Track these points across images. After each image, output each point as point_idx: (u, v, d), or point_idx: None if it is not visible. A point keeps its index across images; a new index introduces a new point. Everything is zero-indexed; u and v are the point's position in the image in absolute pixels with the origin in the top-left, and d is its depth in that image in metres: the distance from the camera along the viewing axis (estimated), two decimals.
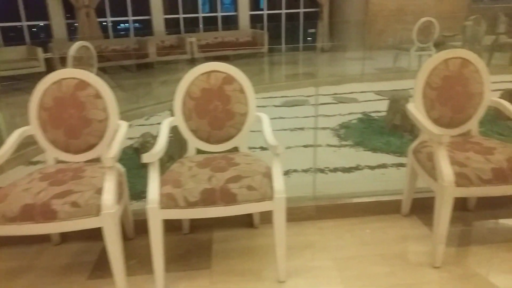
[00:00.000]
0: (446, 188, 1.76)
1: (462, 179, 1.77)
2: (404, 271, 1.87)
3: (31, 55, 7.85)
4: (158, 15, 9.65)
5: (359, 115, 4.66)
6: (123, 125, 1.99)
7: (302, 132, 4.19)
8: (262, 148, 3.61)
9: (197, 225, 2.30)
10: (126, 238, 2.21)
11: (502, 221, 2.28)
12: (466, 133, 2.22)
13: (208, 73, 2.04)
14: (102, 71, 8.56)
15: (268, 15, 10.79)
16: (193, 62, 9.17)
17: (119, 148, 1.81)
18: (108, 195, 1.65)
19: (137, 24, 10.10)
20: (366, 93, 5.84)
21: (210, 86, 2.03)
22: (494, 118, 4.03)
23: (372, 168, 3.15)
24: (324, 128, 4.25)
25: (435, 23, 6.60)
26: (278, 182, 1.72)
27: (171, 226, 2.27)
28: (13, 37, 8.50)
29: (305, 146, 3.72)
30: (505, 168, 1.77)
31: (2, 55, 7.93)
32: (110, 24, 9.53)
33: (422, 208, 2.37)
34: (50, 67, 7.94)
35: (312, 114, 4.88)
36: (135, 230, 2.23)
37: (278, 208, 1.72)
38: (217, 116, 2.04)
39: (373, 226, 2.27)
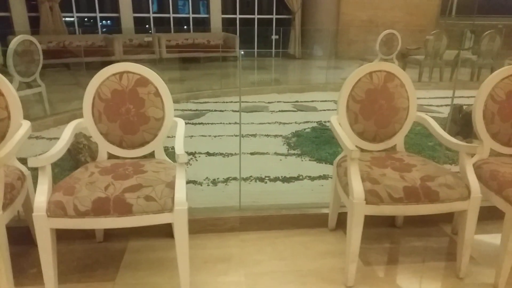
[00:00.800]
0: (356, 205, 1.70)
1: (372, 197, 1.71)
2: None
3: None
4: (127, 13, 9.44)
5: (315, 124, 4.62)
6: (25, 125, 1.85)
7: (254, 138, 4.11)
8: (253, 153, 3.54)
9: (112, 233, 2.17)
10: (34, 244, 2.07)
11: (428, 239, 2.25)
12: (392, 149, 2.18)
13: (120, 73, 1.93)
14: (66, 67, 8.34)
15: (241, 19, 10.73)
16: (160, 62, 9.01)
17: (12, 149, 1.67)
18: None
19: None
20: (327, 102, 5.83)
21: (122, 87, 1.92)
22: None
23: (312, 179, 3.09)
24: (276, 136, 4.19)
25: (398, 35, 6.67)
26: (180, 193, 1.62)
27: (83, 234, 2.15)
28: None
29: (251, 154, 3.64)
30: (418, 187, 1.73)
31: None
32: (76, 19, 9.27)
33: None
34: None
35: (269, 121, 4.82)
36: None
37: (178, 220, 1.62)
38: (129, 120, 1.93)
39: (296, 240, 2.19)
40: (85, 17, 9.67)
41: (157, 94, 1.96)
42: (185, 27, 10.48)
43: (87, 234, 2.14)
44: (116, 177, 1.70)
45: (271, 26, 10.99)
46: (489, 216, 2.25)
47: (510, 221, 1.72)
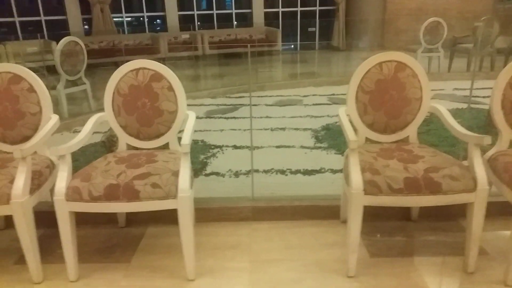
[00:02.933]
0: (354, 195, 1.71)
1: (371, 187, 1.71)
2: (315, 279, 1.84)
3: (47, 49, 8.14)
4: (172, 11, 9.80)
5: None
6: (54, 118, 2.05)
7: (283, 132, 4.16)
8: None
9: (133, 219, 2.34)
10: None
11: (443, 234, 2.18)
12: (404, 140, 2.14)
13: (137, 70, 2.07)
14: (115, 65, 8.85)
15: (283, 12, 10.72)
16: (203, 58, 9.28)
17: (39, 141, 1.87)
18: (18, 185, 1.72)
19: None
20: None
21: (138, 83, 2.06)
22: (485, 124, 3.86)
23: (334, 171, 3.09)
24: (306, 129, 4.20)
25: (443, 23, 6.35)
26: (184, 181, 1.73)
27: (107, 219, 2.33)
28: (32, 31, 8.88)
29: (277, 147, 3.70)
30: (419, 178, 1.70)
31: (21, 48, 8.26)
32: (125, 19, 9.78)
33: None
34: None
35: (301, 115, 4.84)
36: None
37: (182, 207, 1.73)
38: (145, 113, 2.07)
39: (307, 231, 2.23)
40: (135, 16, 10.18)
41: (170, 88, 2.08)
42: (235, 22, 10.69)
43: (110, 219, 2.32)
44: (129, 166, 1.84)
45: (314, 19, 10.89)
46: (508, 211, 2.14)
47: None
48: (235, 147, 3.69)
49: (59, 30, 9.06)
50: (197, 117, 4.86)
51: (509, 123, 1.97)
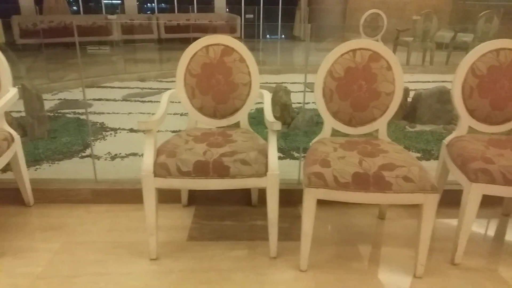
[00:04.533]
0: (143, 178, 1.69)
1: (161, 170, 1.69)
2: (118, 261, 1.82)
3: None
4: None
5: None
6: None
7: (177, 117, 4.11)
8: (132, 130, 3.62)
9: None
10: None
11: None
12: (235, 125, 2.12)
13: (206, 47, 2.05)
14: (65, 47, 8.68)
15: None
16: (159, 42, 9.17)
17: None
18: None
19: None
20: (297, 85, 5.70)
21: (210, 60, 2.03)
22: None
23: None
24: None
25: (383, 15, 6.35)
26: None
27: None
28: None
29: (173, 131, 3.66)
30: (209, 162, 1.68)
31: None
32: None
33: (203, 199, 2.32)
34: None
35: None
36: None
37: None
38: (220, 90, 2.05)
39: (141, 214, 2.21)
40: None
41: (242, 60, 2.05)
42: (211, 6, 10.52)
43: None
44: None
45: (277, 6, 10.80)
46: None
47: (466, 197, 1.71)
48: (131, 130, 3.65)
49: (8, 7, 8.82)
50: (113, 100, 4.76)
51: (467, 109, 1.98)
